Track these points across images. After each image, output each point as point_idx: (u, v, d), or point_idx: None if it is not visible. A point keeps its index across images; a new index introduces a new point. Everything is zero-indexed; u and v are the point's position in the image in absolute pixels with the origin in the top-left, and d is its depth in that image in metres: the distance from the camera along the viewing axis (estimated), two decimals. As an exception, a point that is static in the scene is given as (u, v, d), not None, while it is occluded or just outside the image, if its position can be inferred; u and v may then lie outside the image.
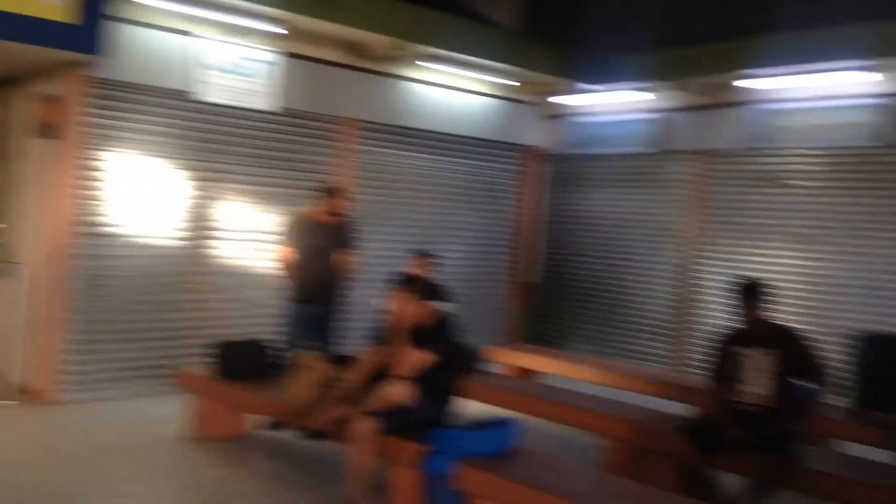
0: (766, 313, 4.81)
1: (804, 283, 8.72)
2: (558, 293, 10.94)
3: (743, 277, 5.04)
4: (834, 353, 7.44)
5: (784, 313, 8.62)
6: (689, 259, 9.69)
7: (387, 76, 9.11)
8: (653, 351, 9.97)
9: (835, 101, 8.40)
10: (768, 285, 4.88)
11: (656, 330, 9.98)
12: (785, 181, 8.90)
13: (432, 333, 4.70)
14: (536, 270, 11.09)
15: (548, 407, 6.16)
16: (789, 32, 7.96)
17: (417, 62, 8.98)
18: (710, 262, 9.43)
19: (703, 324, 9.12)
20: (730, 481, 4.76)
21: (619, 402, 6.22)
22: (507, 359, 8.25)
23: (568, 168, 10.99)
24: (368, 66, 8.87)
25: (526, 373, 8.16)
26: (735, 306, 4.89)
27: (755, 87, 8.78)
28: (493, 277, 10.66)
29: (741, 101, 9.10)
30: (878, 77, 7.88)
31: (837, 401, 6.10)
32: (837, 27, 7.64)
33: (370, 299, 7.28)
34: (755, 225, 9.12)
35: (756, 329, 4.78)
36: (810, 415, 4.80)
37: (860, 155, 8.32)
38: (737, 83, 8.80)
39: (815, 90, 8.44)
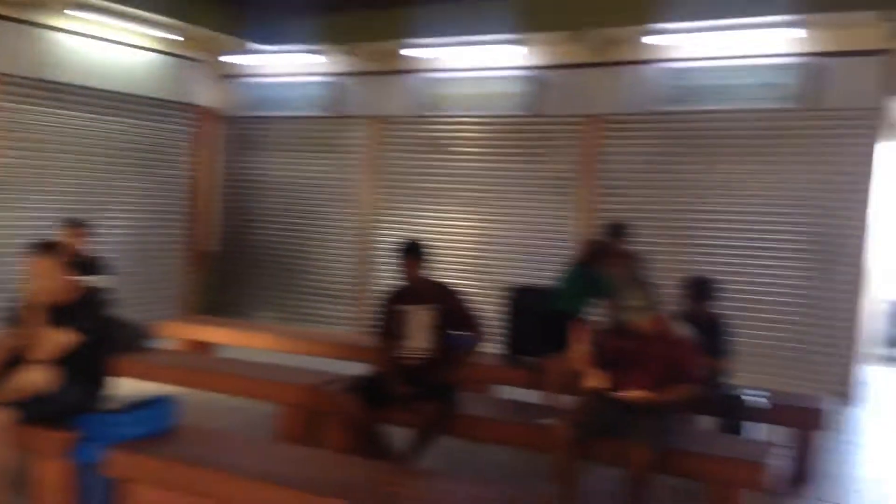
0: (425, 271, 5.00)
1: (469, 243, 9.35)
2: (239, 261, 10.64)
3: (405, 238, 5.21)
4: (491, 305, 8.07)
5: (453, 271, 9.20)
6: (368, 222, 9.92)
7: (32, 25, 8.10)
8: (337, 314, 10.10)
9: (489, 73, 9.03)
10: (426, 245, 5.08)
11: (339, 293, 10.12)
12: (450, 147, 9.43)
13: (77, 310, 4.24)
14: (214, 238, 10.67)
15: (218, 380, 5.90)
16: (447, 4, 8.35)
17: (66, 10, 8.07)
18: (387, 224, 9.73)
19: (381, 285, 9.40)
20: (401, 434, 4.93)
21: (293, 368, 6.15)
22: (181, 332, 7.80)
23: (245, 130, 10.66)
24: (8, 12, 7.83)
25: (203, 346, 7.78)
26: (398, 266, 5.04)
27: (418, 56, 9.14)
28: (167, 246, 10.06)
29: (408, 70, 9.44)
30: (523, 50, 8.57)
31: (493, 349, 6.60)
32: (490, 1, 8.17)
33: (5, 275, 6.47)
34: (426, 189, 9.56)
35: (417, 287, 4.97)
36: (468, 364, 5.10)
37: (511, 123, 9.06)
38: (404, 52, 9.10)
39: (473, 61, 9.00)
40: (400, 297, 5.04)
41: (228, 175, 10.76)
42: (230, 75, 10.46)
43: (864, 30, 7.26)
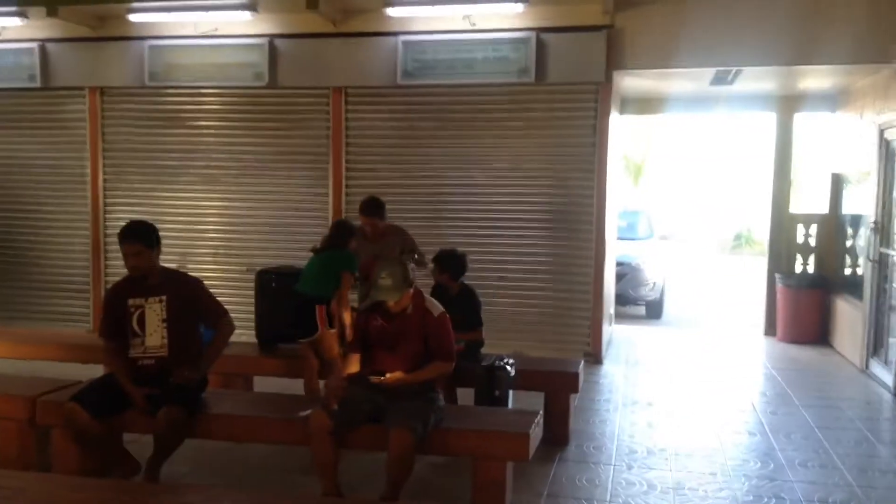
0: (154, 258, 4.43)
1: (216, 224, 8.80)
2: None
3: (129, 221, 4.59)
4: (242, 290, 7.61)
5: (199, 255, 8.63)
6: (98, 205, 8.98)
7: None
8: (68, 310, 9.18)
9: (224, 41, 8.42)
10: (155, 228, 4.49)
11: (71, 286, 9.16)
12: (187, 121, 8.74)
13: None
14: None
15: None
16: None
17: None
18: (120, 207, 8.91)
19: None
20: (143, 441, 4.41)
21: (9, 376, 5.35)
22: None
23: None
24: None
25: None
26: (123, 254, 4.42)
27: (142, 20, 8.30)
28: None
29: (131, 36, 8.60)
30: (256, 16, 7.99)
31: (247, 338, 6.19)
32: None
33: None
34: (162, 166, 8.87)
35: (147, 277, 4.41)
36: (215, 358, 4.64)
37: (251, 94, 8.56)
38: (131, 17, 8.24)
39: (205, 28, 8.32)
40: (128, 290, 4.46)
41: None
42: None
43: (587, 6, 7.61)
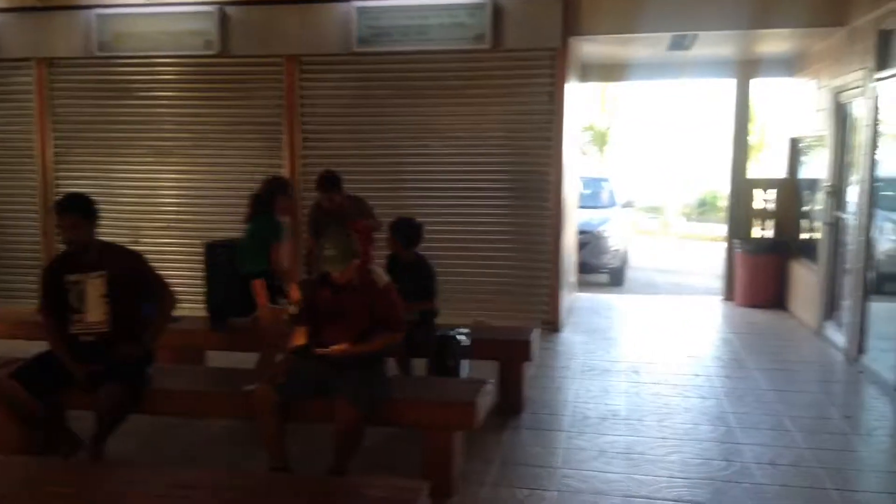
0: (90, 232, 4.29)
1: (169, 196, 8.63)
2: None
3: (63, 195, 4.45)
4: (192, 263, 7.47)
5: (151, 229, 8.47)
6: (48, 180, 8.76)
7: None
8: (19, 286, 8.98)
9: (171, 8, 8.19)
10: (92, 201, 4.36)
11: (20, 262, 8.98)
12: (136, 91, 8.52)
13: None
14: None
15: None
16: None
17: None
18: (70, 181, 8.67)
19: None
20: (85, 419, 4.32)
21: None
22: None
23: None
24: None
25: None
26: (57, 228, 4.30)
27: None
28: None
29: (80, 5, 8.35)
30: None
31: (198, 312, 6.09)
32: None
33: None
34: (112, 139, 8.68)
35: (85, 251, 4.29)
36: (159, 333, 4.55)
37: (202, 63, 8.36)
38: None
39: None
40: (66, 265, 4.33)
41: None
42: None
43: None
